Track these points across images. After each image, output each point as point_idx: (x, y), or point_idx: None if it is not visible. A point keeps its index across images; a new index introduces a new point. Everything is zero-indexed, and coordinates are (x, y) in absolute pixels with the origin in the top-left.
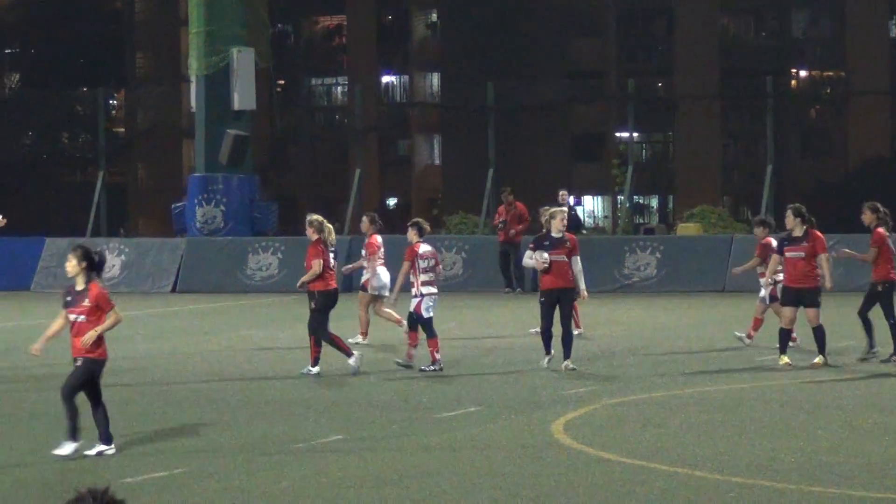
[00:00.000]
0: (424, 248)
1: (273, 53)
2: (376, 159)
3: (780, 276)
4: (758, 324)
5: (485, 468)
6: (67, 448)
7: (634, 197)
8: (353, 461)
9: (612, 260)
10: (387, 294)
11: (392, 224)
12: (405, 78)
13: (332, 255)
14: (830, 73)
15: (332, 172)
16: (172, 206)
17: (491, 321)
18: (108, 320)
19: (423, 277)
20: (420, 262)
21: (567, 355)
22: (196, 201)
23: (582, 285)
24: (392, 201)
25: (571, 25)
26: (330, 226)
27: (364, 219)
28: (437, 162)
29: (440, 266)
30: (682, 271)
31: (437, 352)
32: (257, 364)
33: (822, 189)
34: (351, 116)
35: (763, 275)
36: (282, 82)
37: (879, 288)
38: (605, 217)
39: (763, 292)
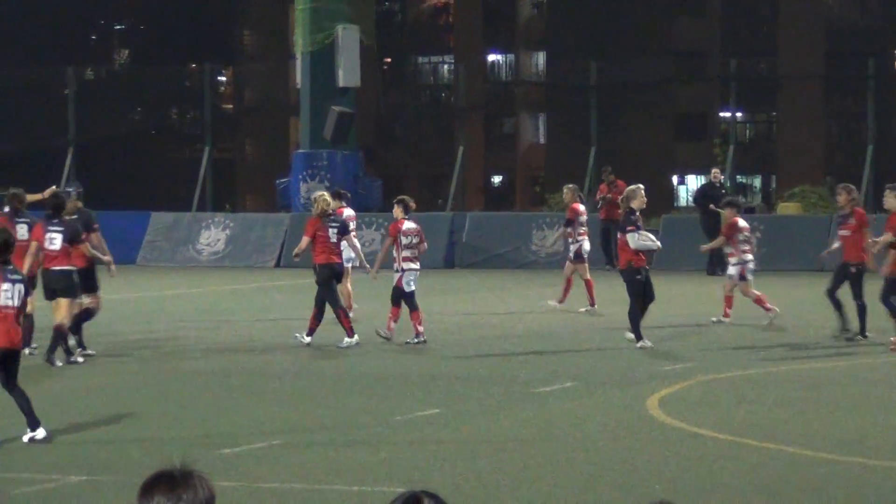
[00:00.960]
0: (408, 225)
1: (378, 31)
2: (481, 137)
3: (750, 257)
4: (729, 301)
5: (579, 442)
6: None
7: (737, 176)
8: (450, 434)
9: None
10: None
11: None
12: (510, 56)
13: (332, 230)
14: None
15: (437, 150)
16: (277, 181)
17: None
18: None
19: (405, 253)
20: (403, 238)
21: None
22: (300, 177)
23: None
24: (497, 179)
25: (675, 5)
26: (329, 200)
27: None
28: (542, 140)
29: (424, 243)
30: (781, 250)
31: (420, 324)
32: (372, 339)
33: None
34: (456, 94)
35: (732, 255)
36: (388, 60)
37: (853, 269)
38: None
39: (732, 270)
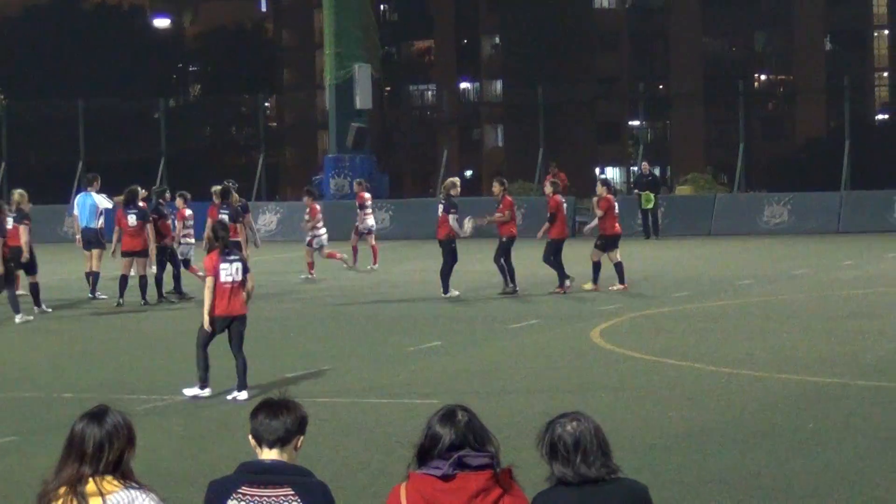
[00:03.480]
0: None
1: (383, 67)
2: (457, 143)
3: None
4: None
5: (544, 364)
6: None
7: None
8: (449, 361)
9: (631, 212)
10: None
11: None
12: (477, 83)
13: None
14: (783, 77)
15: (425, 153)
16: (313, 178)
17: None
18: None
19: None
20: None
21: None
22: (330, 175)
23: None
24: (468, 173)
25: (597, 43)
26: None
27: (305, 197)
28: (501, 144)
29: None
30: (678, 222)
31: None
32: (387, 291)
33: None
34: (438, 112)
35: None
36: (388, 88)
37: (504, 239)
38: (624, 183)
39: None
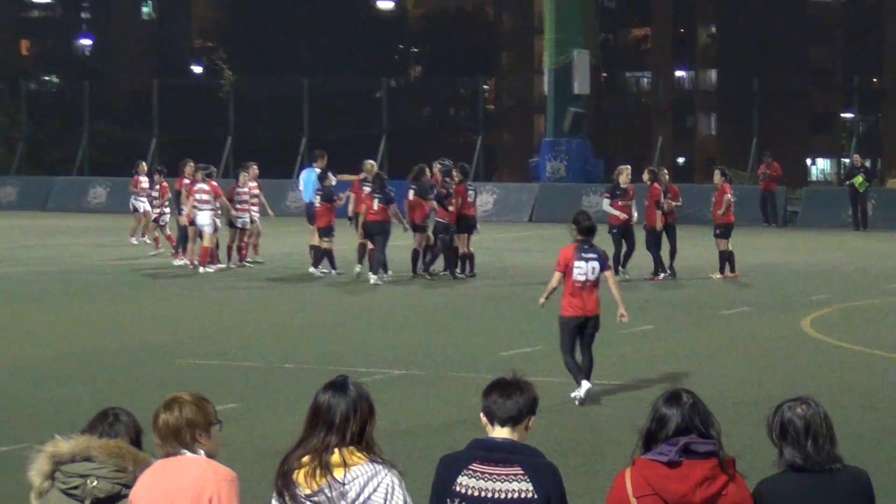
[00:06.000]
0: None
1: (601, 54)
2: (671, 130)
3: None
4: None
5: (755, 351)
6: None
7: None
8: (663, 345)
9: (843, 205)
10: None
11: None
12: (692, 72)
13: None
14: None
15: (640, 139)
16: (529, 161)
17: (755, 245)
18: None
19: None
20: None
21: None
22: (547, 158)
23: None
24: (681, 160)
25: (812, 36)
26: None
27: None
28: (714, 133)
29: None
30: (888, 214)
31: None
32: None
33: None
34: (653, 99)
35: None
36: (605, 74)
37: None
38: (835, 174)
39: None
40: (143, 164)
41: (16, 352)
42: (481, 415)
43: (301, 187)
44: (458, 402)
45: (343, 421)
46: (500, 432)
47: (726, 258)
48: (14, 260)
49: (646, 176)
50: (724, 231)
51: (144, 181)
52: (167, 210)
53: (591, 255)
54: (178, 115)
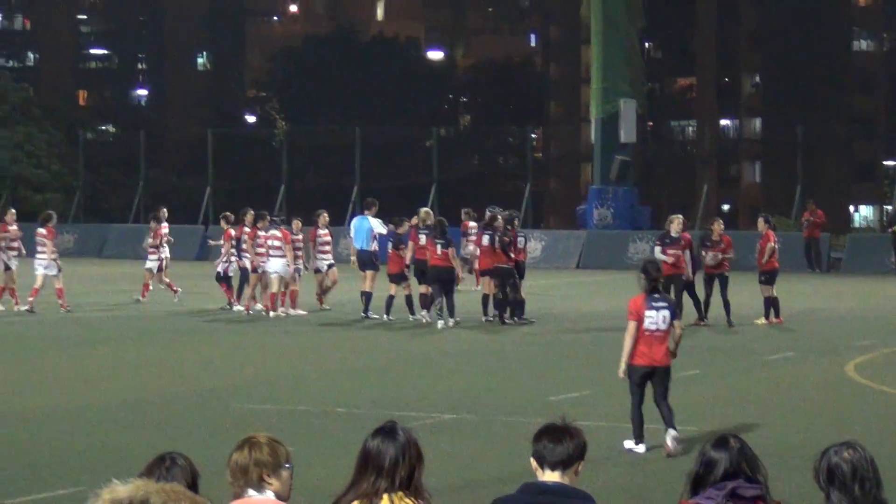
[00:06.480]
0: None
1: (647, 103)
2: (715, 177)
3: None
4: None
5: (799, 396)
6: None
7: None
8: (710, 390)
9: (886, 251)
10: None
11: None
12: (736, 121)
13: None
14: None
15: (685, 186)
16: (577, 208)
17: (799, 291)
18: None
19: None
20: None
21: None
22: (594, 205)
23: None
24: (726, 207)
25: (854, 87)
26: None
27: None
28: (758, 180)
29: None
30: None
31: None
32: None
33: None
34: (699, 147)
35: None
36: (651, 123)
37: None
38: (878, 221)
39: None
40: (165, 210)
41: (73, 397)
42: (531, 459)
43: (352, 234)
44: (507, 447)
45: (392, 466)
46: (551, 476)
47: (771, 304)
48: (71, 306)
49: (762, 225)
50: (768, 277)
51: (165, 227)
52: (234, 258)
53: (661, 304)
54: (232, 163)
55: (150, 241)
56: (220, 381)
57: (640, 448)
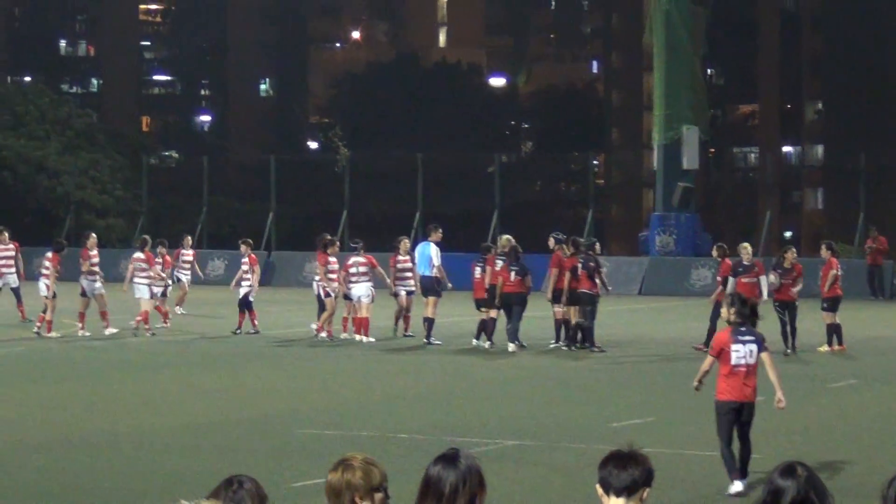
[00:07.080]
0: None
1: (709, 129)
2: (778, 204)
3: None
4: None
5: (863, 423)
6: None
7: None
8: (771, 417)
9: None
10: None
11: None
12: (798, 148)
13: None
14: None
15: (746, 213)
16: (639, 234)
17: (862, 318)
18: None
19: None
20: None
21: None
22: (656, 232)
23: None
24: (788, 234)
25: None
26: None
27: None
28: (821, 207)
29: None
30: None
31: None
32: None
33: None
34: (760, 174)
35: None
36: (713, 150)
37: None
38: None
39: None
40: (189, 237)
41: (138, 421)
42: (597, 485)
43: (416, 261)
44: (570, 473)
45: (452, 493)
46: (616, 502)
47: (833, 331)
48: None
49: (825, 252)
50: (831, 304)
51: (188, 254)
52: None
53: (748, 338)
54: (295, 189)
55: (158, 269)
56: (283, 406)
57: (740, 486)
